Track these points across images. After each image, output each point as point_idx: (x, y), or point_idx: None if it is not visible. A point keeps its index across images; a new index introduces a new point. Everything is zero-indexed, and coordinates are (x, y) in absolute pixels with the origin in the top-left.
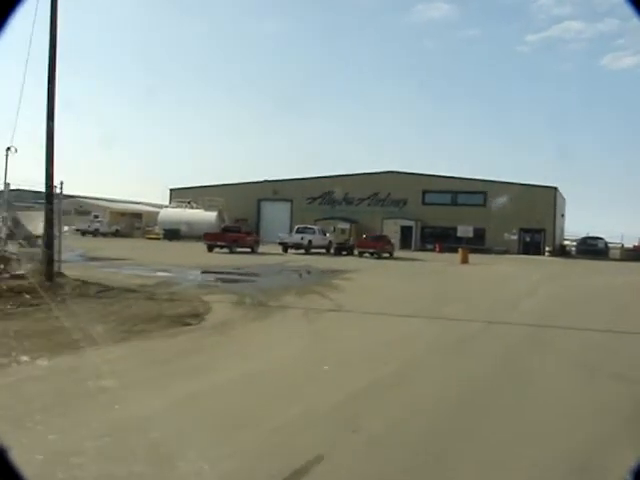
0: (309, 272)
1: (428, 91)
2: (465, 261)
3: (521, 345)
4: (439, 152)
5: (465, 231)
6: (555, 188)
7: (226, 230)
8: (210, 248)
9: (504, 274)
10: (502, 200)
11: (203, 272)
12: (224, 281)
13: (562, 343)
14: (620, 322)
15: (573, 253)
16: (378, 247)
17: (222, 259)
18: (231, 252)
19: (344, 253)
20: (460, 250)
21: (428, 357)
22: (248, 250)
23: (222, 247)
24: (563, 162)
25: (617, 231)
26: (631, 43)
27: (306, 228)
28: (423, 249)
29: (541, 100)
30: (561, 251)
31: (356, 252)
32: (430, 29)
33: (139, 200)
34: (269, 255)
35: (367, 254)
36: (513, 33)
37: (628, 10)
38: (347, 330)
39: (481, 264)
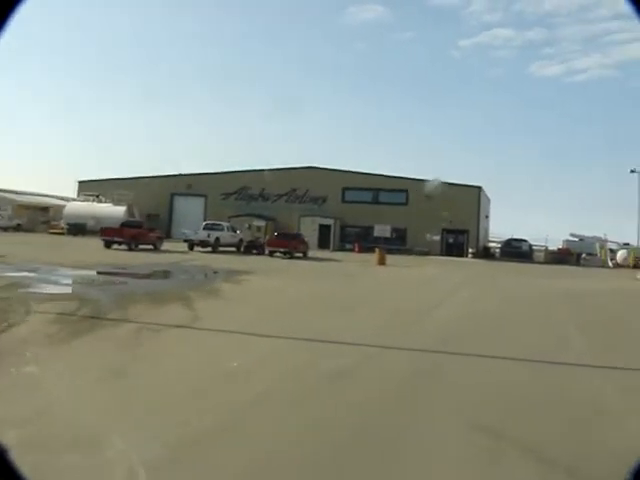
0: (205, 274)
1: (360, 92)
2: (382, 262)
3: (403, 394)
4: (369, 151)
5: (382, 230)
6: (479, 187)
7: (126, 225)
8: (108, 244)
9: (420, 277)
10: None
11: (75, 272)
12: (87, 284)
13: (463, 388)
14: (545, 346)
15: (497, 255)
16: (290, 246)
17: (114, 257)
18: (130, 249)
19: (255, 252)
20: (376, 250)
21: (255, 413)
22: (150, 247)
23: (121, 244)
24: (490, 164)
25: (542, 233)
26: (558, 52)
27: (214, 224)
28: (342, 249)
29: (473, 103)
30: (485, 253)
31: (267, 251)
32: (363, 31)
33: (51, 193)
34: (171, 253)
35: (279, 254)
36: (446, 37)
37: (555, 20)
38: (169, 361)
39: (398, 266)
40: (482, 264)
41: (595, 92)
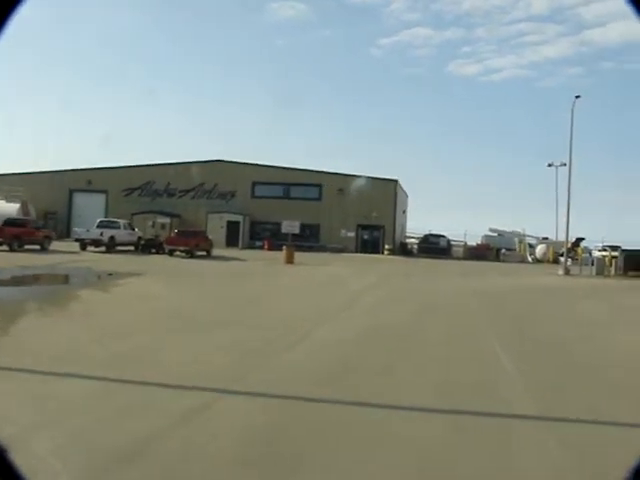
0: (77, 278)
1: (277, 88)
2: (290, 261)
3: None
4: (282, 149)
5: (290, 226)
6: (395, 181)
7: (8, 224)
8: None
9: (326, 277)
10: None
11: None
12: None
13: None
14: (465, 383)
15: (415, 251)
16: (191, 244)
17: None
18: (12, 250)
19: (153, 251)
20: (285, 248)
21: None
22: (37, 248)
23: (1, 244)
24: (410, 160)
25: (461, 229)
26: (475, 52)
27: (110, 222)
28: (252, 247)
29: (392, 101)
30: (402, 249)
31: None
32: (283, 28)
33: None
34: (59, 254)
35: (180, 253)
36: (366, 36)
37: (473, 20)
38: None
39: (308, 264)
40: (398, 261)
41: (510, 91)
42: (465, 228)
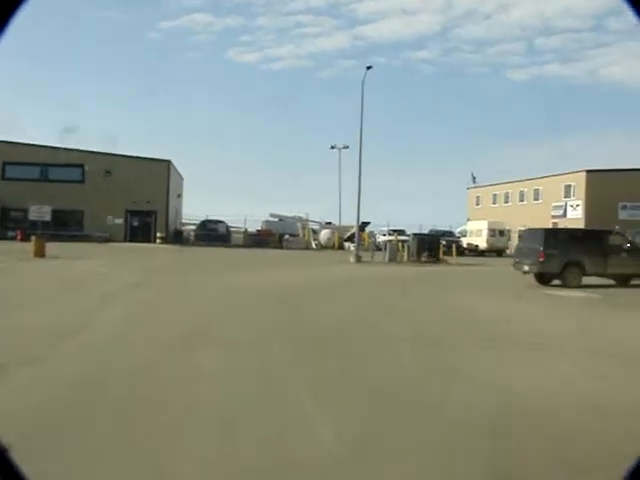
0: None
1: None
2: (40, 254)
3: None
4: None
5: (39, 213)
6: (169, 162)
7: None
8: None
9: (68, 278)
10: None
11: None
12: None
13: None
14: None
15: (192, 239)
16: None
17: None
18: None
19: None
20: (34, 239)
21: None
22: None
23: None
24: (191, 144)
25: (242, 214)
26: (255, 40)
27: None
28: (3, 237)
29: (171, 85)
30: (177, 237)
31: None
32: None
33: None
34: None
35: None
36: (146, 19)
37: (253, 9)
38: None
39: (61, 257)
40: (168, 251)
41: (290, 80)
42: (245, 213)
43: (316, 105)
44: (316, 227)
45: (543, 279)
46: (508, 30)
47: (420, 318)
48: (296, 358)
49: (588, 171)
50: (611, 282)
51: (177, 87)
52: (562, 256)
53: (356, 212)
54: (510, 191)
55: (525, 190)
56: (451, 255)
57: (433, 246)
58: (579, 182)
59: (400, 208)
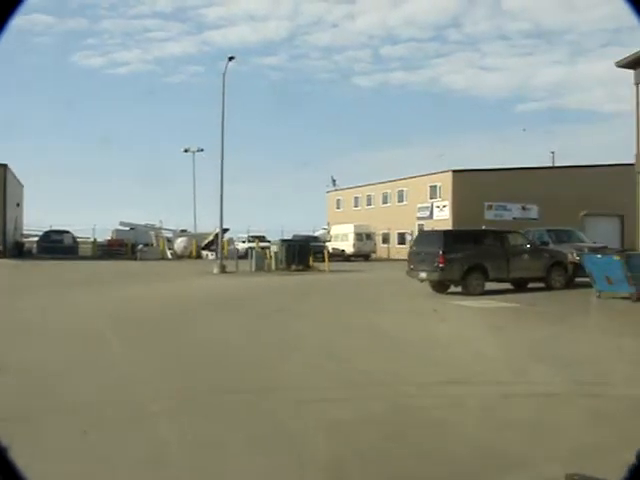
0: None
1: None
2: None
3: None
4: None
5: None
6: (5, 166)
7: None
8: None
9: None
10: None
11: None
12: None
13: None
14: None
15: (34, 251)
16: None
17: None
18: None
19: None
20: None
21: None
22: None
23: None
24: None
25: (90, 224)
26: (100, 44)
27: None
28: None
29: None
30: (17, 250)
31: None
32: None
33: None
34: None
35: None
36: None
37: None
38: None
39: None
40: (4, 267)
41: (137, 84)
42: (95, 222)
43: (166, 110)
44: (170, 235)
45: (440, 287)
46: (355, 38)
47: (342, 350)
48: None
49: (454, 171)
50: (506, 286)
51: (17, 90)
52: (463, 261)
53: (214, 218)
54: (373, 194)
55: (389, 192)
56: (323, 261)
57: (304, 253)
58: (445, 182)
59: (258, 213)
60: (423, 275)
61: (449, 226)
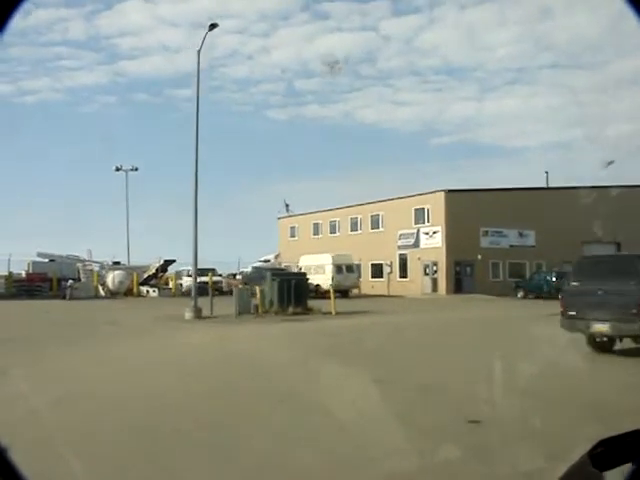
0: None
1: None
2: None
3: None
4: None
5: None
6: None
7: None
8: None
9: None
10: None
11: None
12: None
13: None
14: None
15: None
16: None
17: None
18: None
19: None
20: None
21: None
22: None
23: None
24: None
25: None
26: (8, 71)
27: None
28: None
29: None
30: None
31: None
32: None
33: None
34: None
35: None
36: None
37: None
38: None
39: None
40: None
41: (48, 113)
42: (9, 253)
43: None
44: (97, 269)
45: (605, 345)
46: (269, 71)
47: None
48: None
49: (448, 191)
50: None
51: None
52: None
53: (148, 248)
54: (338, 219)
55: (359, 217)
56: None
57: (300, 290)
58: (436, 204)
59: (202, 244)
60: (604, 328)
61: (441, 255)
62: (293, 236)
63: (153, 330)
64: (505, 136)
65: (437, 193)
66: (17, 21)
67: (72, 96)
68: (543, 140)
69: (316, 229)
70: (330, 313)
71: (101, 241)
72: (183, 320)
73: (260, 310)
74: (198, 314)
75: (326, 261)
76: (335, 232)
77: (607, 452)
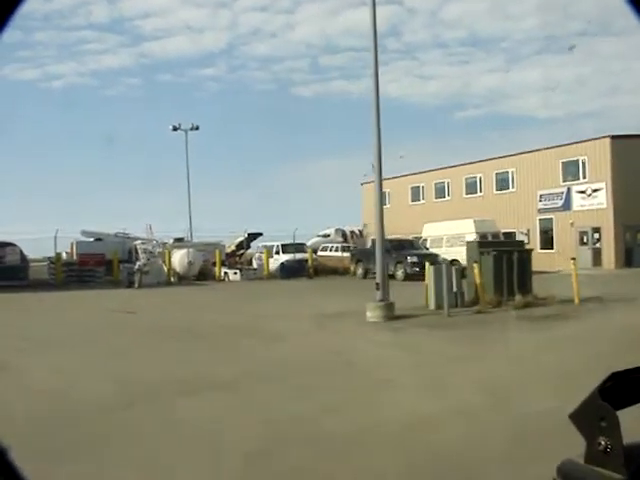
0: None
1: None
2: None
3: None
4: None
5: None
6: None
7: None
8: None
9: None
10: None
11: None
12: None
13: None
14: None
15: None
16: None
17: None
18: None
19: None
20: None
21: None
22: None
23: None
24: None
25: (40, 232)
26: (33, 56)
27: None
28: None
29: None
30: None
31: None
32: None
33: None
34: None
35: None
36: None
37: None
38: None
39: None
40: None
41: (73, 98)
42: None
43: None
44: (153, 248)
45: None
46: (294, 48)
47: None
48: None
49: (613, 137)
50: None
51: None
52: None
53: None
54: (448, 180)
55: (479, 176)
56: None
57: (524, 268)
58: (596, 155)
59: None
60: None
61: (607, 219)
62: (386, 204)
63: (339, 338)
64: (534, 107)
65: (598, 140)
66: (41, 5)
67: (97, 79)
68: (571, 110)
69: (416, 194)
70: (572, 302)
71: (145, 217)
72: (368, 323)
73: (482, 301)
74: (390, 311)
75: (466, 229)
76: (444, 196)
77: (617, 386)
